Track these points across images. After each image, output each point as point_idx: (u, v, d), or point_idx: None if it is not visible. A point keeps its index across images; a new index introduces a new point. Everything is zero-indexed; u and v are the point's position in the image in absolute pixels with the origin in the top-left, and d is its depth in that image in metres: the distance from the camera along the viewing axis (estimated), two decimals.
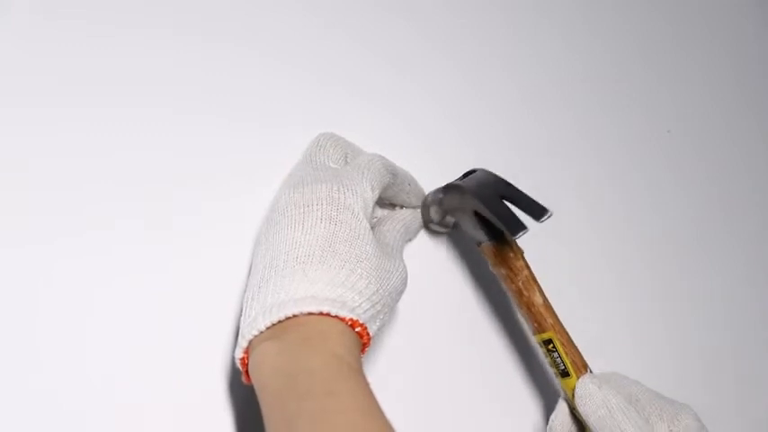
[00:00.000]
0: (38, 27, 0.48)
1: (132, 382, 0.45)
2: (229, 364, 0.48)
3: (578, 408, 0.48)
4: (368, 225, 0.45)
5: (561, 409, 0.51)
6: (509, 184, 0.48)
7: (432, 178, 0.58)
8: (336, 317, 0.39)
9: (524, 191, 0.46)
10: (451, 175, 0.60)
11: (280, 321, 0.39)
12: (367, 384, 0.38)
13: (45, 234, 0.45)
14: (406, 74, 0.61)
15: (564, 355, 0.49)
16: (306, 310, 0.39)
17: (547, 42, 0.69)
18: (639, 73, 0.73)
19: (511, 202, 0.46)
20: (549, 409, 0.58)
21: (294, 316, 0.39)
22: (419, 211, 0.56)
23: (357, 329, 0.40)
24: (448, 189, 0.52)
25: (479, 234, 0.51)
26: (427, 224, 0.56)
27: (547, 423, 0.52)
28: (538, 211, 0.45)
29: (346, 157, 0.51)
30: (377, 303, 0.42)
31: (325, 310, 0.39)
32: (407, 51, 0.61)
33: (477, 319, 0.58)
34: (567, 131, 0.67)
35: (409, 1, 0.62)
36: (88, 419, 0.44)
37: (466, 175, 0.52)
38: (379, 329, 0.44)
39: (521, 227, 0.44)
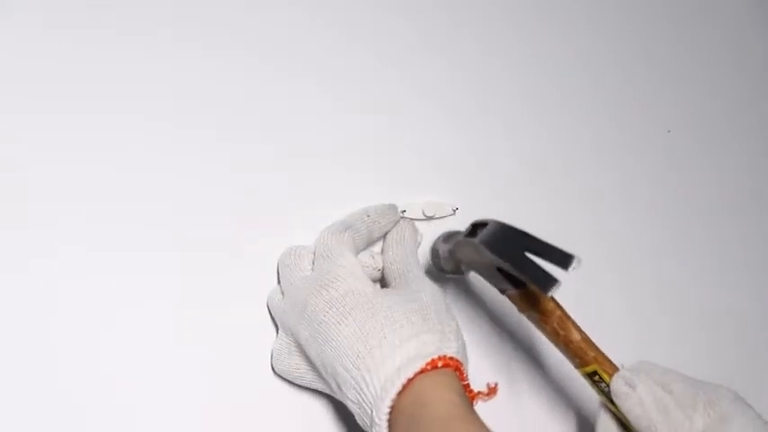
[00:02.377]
0: (38, 29, 0.48)
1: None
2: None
3: (619, 407, 0.48)
4: (372, 288, 0.47)
5: (604, 418, 0.51)
6: (528, 235, 0.44)
7: (432, 178, 0.58)
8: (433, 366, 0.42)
9: (544, 239, 0.43)
10: (450, 177, 0.60)
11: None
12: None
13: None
14: (404, 74, 0.61)
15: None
16: (412, 371, 0.42)
17: (547, 42, 0.69)
18: (640, 72, 0.73)
19: (534, 254, 0.43)
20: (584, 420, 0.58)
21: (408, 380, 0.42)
22: (400, 223, 0.54)
23: (440, 364, 0.43)
24: (462, 245, 0.49)
25: (503, 284, 0.49)
26: (440, 271, 0.54)
27: None
28: (564, 260, 0.42)
29: (310, 258, 0.51)
30: (430, 330, 0.45)
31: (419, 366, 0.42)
32: (407, 51, 0.61)
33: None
34: (566, 131, 0.67)
35: (409, 1, 0.62)
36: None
37: (474, 226, 0.49)
38: (460, 346, 0.46)
39: (553, 282, 0.41)
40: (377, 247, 0.54)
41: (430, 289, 0.49)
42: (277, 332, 0.50)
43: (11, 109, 0.47)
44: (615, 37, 0.72)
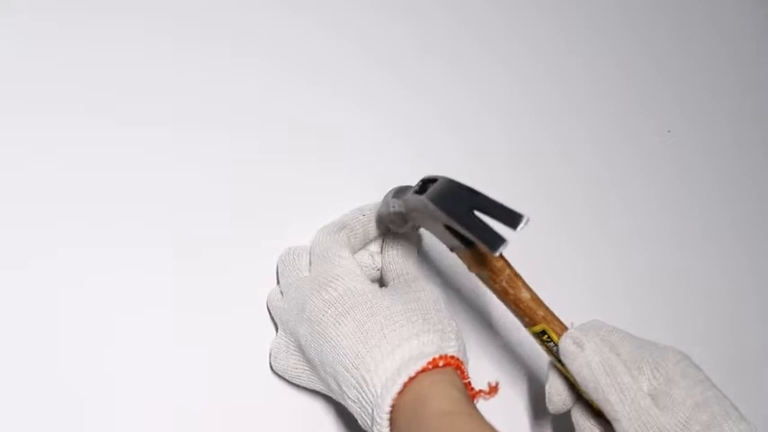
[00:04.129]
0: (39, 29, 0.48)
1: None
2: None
3: (567, 367, 0.48)
4: (371, 287, 0.47)
5: (553, 376, 0.51)
6: (477, 193, 0.43)
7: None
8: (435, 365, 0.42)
9: (493, 197, 0.42)
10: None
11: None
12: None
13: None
14: (404, 74, 0.61)
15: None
16: (413, 370, 0.42)
17: (547, 42, 0.69)
18: (640, 72, 0.73)
19: (482, 212, 0.42)
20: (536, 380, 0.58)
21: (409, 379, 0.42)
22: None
23: (442, 363, 0.43)
24: (411, 202, 0.47)
25: (452, 242, 0.47)
26: (389, 228, 0.52)
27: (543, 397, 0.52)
28: (513, 220, 0.40)
29: (309, 258, 0.51)
30: (431, 330, 0.45)
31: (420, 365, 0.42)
32: (406, 51, 0.61)
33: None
34: (567, 131, 0.67)
35: (409, 1, 0.62)
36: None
37: (425, 182, 0.47)
38: (461, 345, 0.46)
39: (500, 241, 0.40)
40: (375, 247, 0.54)
41: (429, 289, 0.49)
42: (277, 332, 0.50)
43: (11, 109, 0.47)
44: (615, 37, 0.72)
